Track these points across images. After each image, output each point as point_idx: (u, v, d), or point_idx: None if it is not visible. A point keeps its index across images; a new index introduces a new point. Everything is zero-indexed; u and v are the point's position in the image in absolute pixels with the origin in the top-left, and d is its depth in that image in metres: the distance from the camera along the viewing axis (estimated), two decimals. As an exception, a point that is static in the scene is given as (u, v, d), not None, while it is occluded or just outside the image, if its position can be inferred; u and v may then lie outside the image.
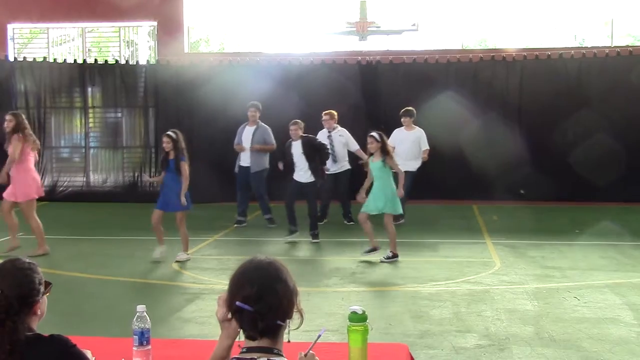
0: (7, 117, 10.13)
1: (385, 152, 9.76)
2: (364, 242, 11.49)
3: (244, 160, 12.84)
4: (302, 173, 11.25)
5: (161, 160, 10.22)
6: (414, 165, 12.45)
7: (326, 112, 12.78)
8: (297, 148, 11.30)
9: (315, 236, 11.29)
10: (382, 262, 9.78)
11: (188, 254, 10.03)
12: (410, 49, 16.76)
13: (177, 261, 9.84)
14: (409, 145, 12.60)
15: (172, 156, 9.80)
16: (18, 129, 9.98)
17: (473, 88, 15.58)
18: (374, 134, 9.83)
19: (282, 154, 11.86)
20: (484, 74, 15.67)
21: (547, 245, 10.95)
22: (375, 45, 16.85)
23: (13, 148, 9.92)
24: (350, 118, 14.27)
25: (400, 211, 10.24)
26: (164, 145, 9.88)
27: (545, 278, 9.01)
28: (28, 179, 10.05)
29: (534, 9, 17.40)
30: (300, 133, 11.34)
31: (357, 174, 12.27)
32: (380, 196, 9.78)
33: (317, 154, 11.37)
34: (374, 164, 9.84)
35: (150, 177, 10.16)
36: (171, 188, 9.84)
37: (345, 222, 13.00)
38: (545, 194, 14.85)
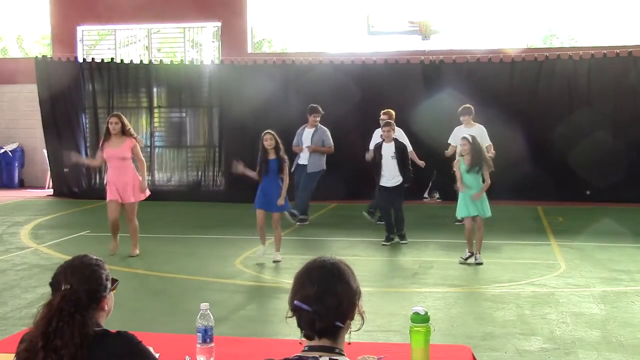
0: (113, 119, 10.02)
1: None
2: (426, 242, 11.43)
3: (303, 159, 13.02)
4: (389, 177, 10.98)
5: (260, 160, 9.67)
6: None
7: (385, 111, 12.74)
8: (388, 151, 11.03)
9: (403, 237, 11.19)
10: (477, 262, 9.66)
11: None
12: (474, 47, 16.64)
13: (274, 261, 9.77)
14: None
15: (272, 156, 9.55)
16: (124, 130, 9.98)
17: (538, 86, 15.46)
18: (466, 135, 9.77)
19: (374, 156, 11.41)
20: (547, 73, 15.50)
21: (615, 248, 10.69)
22: (438, 44, 16.76)
23: (136, 149, 9.97)
24: (408, 117, 14.26)
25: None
26: (266, 143, 9.52)
27: (612, 281, 8.80)
28: (137, 180, 10.11)
29: (605, 7, 17.13)
30: (393, 135, 11.16)
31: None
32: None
33: (404, 157, 11.18)
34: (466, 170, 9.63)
35: (244, 167, 9.88)
36: (272, 188, 9.64)
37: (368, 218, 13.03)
38: (613, 195, 14.61)
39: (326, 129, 13.09)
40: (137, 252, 10.30)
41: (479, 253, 9.69)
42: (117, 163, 9.97)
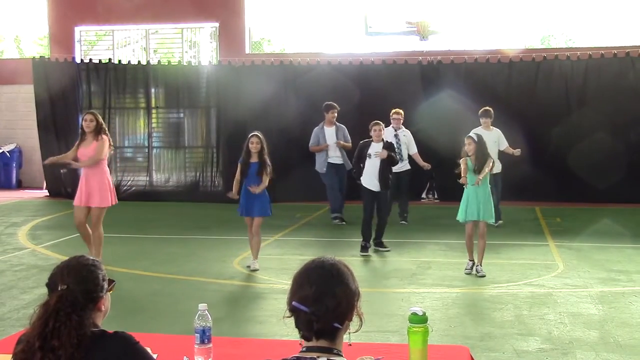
0: (88, 116, 9.42)
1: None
2: (425, 243, 11.43)
3: (336, 158, 13.22)
4: (376, 180, 10.36)
5: (242, 161, 9.32)
6: (497, 166, 11.99)
7: (396, 110, 12.78)
8: (375, 151, 10.43)
9: (382, 244, 10.69)
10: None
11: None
12: (472, 48, 16.66)
13: (253, 270, 9.39)
14: (490, 145, 12.33)
15: (255, 159, 9.24)
16: (100, 128, 9.38)
17: (536, 87, 15.49)
18: (471, 134, 9.51)
19: (358, 157, 10.71)
20: (545, 74, 15.53)
21: (613, 248, 10.70)
22: (436, 45, 16.78)
23: (99, 148, 9.22)
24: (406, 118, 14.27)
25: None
26: (252, 147, 9.22)
27: (610, 282, 8.81)
28: (106, 183, 9.43)
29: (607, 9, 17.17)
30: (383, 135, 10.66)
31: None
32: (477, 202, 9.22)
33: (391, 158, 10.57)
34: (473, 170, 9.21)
35: (234, 193, 9.53)
36: (252, 193, 9.26)
37: (401, 221, 12.99)
38: (611, 196, 14.64)
39: (343, 125, 13.35)
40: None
41: (480, 264, 9.18)
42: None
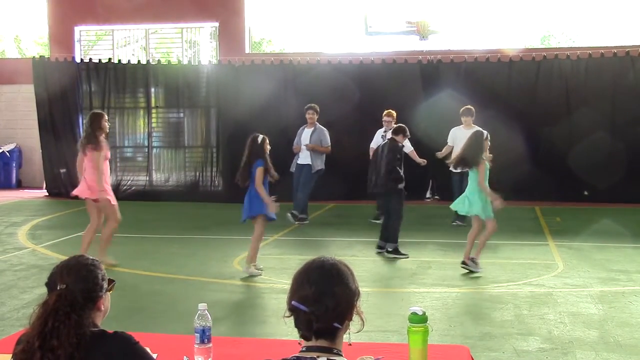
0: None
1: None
2: (424, 242, 11.42)
3: (303, 158, 13.12)
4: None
5: (244, 164, 9.03)
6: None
7: (387, 112, 12.76)
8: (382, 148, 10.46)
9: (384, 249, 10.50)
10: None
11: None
12: (472, 47, 16.67)
13: (251, 275, 9.20)
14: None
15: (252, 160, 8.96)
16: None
17: (536, 86, 15.50)
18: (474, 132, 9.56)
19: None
20: (545, 73, 15.53)
21: (613, 248, 10.70)
22: (436, 44, 16.78)
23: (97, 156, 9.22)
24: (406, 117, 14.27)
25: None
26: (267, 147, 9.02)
27: (610, 281, 8.80)
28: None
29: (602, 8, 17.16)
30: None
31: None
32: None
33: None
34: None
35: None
36: (248, 196, 9.10)
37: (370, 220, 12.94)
38: (611, 195, 14.64)
39: (324, 128, 13.19)
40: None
41: (467, 257, 9.17)
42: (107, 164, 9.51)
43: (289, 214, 12.64)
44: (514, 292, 8.33)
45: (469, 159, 9.26)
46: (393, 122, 12.62)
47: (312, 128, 13.18)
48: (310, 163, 13.03)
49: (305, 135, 13.20)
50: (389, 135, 12.47)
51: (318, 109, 13.24)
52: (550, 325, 6.96)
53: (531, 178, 14.81)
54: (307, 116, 13.21)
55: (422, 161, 12.79)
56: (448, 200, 14.33)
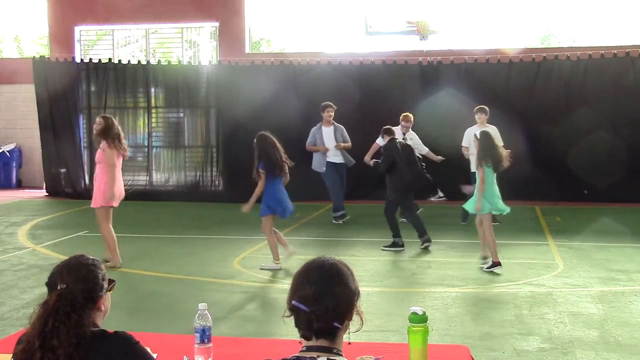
0: (98, 119, 9.51)
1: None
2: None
3: (334, 157, 13.26)
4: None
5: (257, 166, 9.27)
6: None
7: (405, 115, 12.83)
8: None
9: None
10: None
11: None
12: (472, 48, 16.67)
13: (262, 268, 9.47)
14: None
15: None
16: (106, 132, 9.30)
17: (536, 87, 15.51)
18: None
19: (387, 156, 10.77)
20: (545, 74, 15.54)
21: (613, 248, 10.70)
22: (436, 45, 16.78)
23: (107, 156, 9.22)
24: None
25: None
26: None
27: (610, 281, 8.80)
28: (102, 185, 9.36)
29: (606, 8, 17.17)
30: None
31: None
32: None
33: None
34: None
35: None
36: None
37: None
38: (611, 195, 14.66)
39: (341, 125, 13.35)
40: (114, 260, 9.47)
41: (484, 258, 9.40)
42: None
43: (339, 221, 13.06)
44: (514, 292, 8.33)
45: (476, 161, 9.38)
46: (410, 126, 12.73)
47: (332, 127, 13.25)
48: (344, 161, 13.28)
49: (327, 134, 13.23)
50: (409, 138, 12.57)
51: (335, 106, 13.36)
52: (550, 325, 6.96)
53: (531, 178, 14.80)
54: (326, 114, 13.21)
55: (439, 158, 12.93)
56: (448, 201, 14.47)
